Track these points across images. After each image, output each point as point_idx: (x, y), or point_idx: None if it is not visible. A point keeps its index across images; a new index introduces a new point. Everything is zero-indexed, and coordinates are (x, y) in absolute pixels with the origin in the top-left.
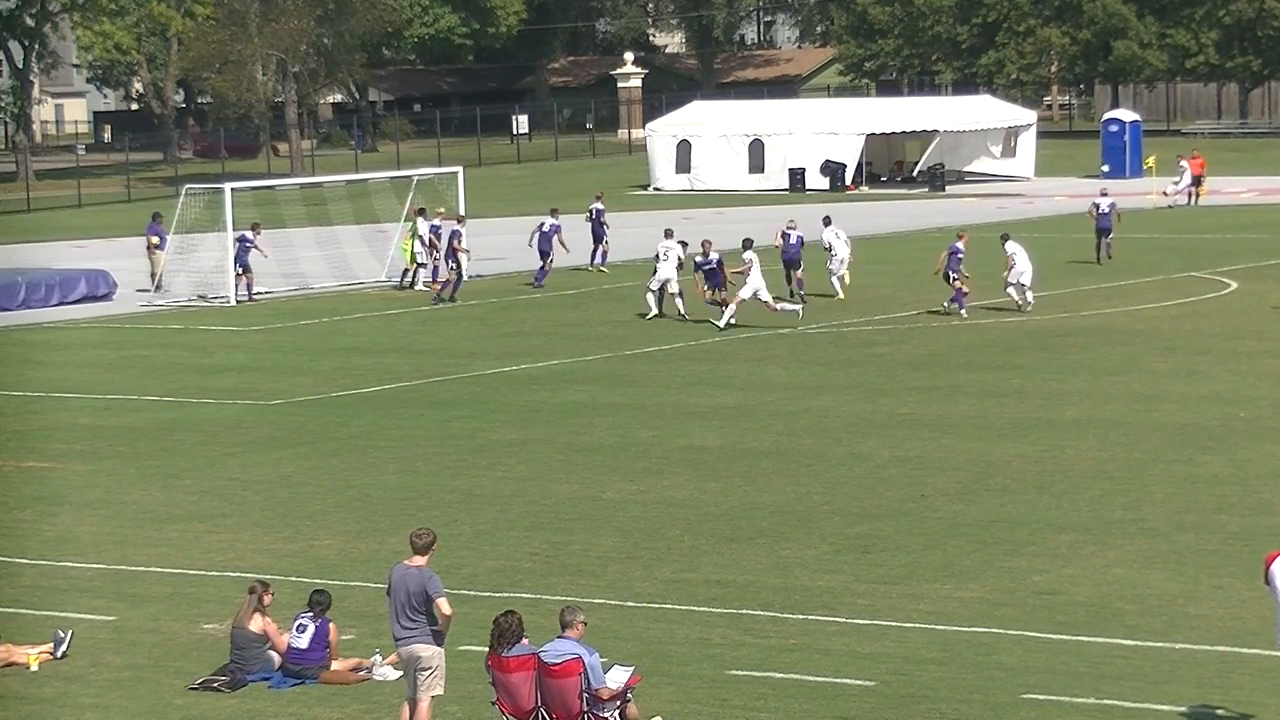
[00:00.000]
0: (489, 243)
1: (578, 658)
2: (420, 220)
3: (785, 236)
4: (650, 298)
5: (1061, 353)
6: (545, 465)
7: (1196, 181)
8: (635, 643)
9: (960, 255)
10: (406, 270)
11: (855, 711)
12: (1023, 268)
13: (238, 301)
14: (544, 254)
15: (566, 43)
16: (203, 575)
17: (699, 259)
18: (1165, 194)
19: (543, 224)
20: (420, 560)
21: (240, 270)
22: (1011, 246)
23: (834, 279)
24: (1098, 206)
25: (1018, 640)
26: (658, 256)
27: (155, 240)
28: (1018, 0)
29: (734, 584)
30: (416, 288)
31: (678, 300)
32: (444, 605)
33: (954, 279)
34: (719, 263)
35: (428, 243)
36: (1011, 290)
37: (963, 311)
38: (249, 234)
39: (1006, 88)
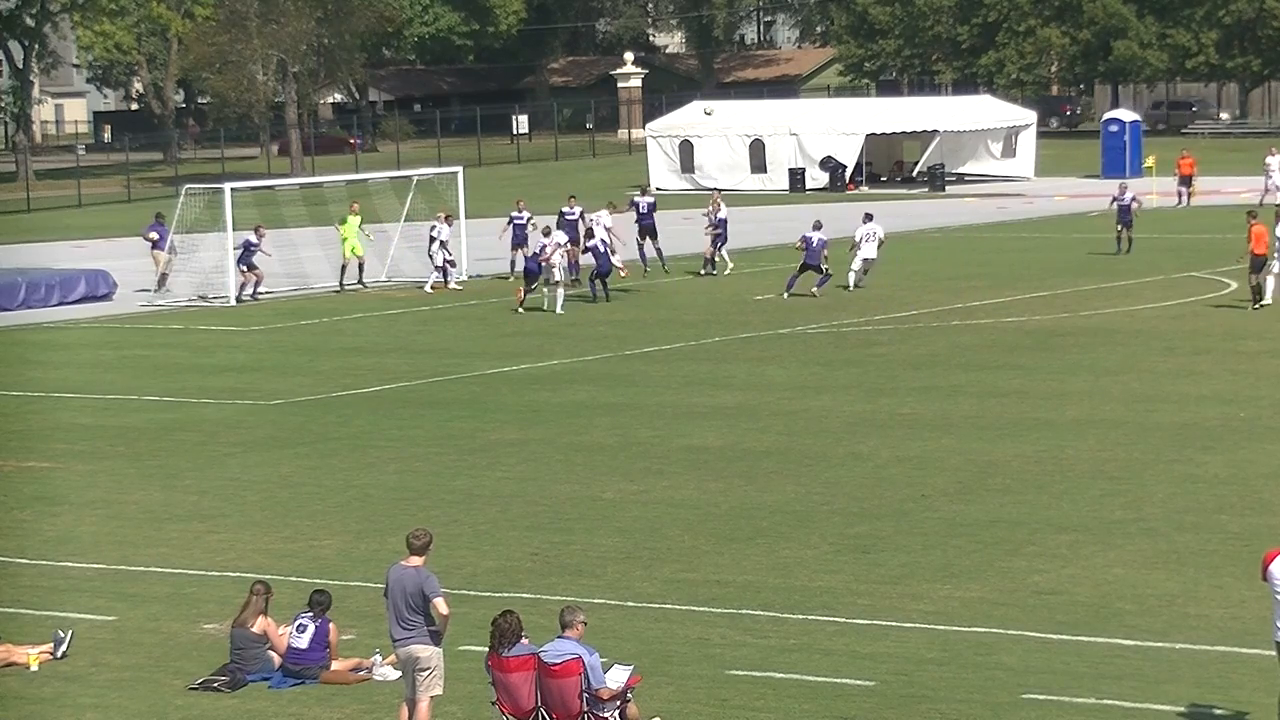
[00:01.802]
0: (489, 243)
1: (578, 658)
2: (444, 224)
3: (635, 204)
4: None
5: (1061, 353)
6: (545, 465)
7: (1186, 182)
8: (635, 643)
9: None
10: (345, 267)
11: (855, 711)
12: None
13: (239, 300)
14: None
15: (566, 43)
16: (203, 575)
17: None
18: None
19: (637, 204)
20: (417, 560)
21: (245, 269)
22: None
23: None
24: (1118, 201)
25: (1018, 640)
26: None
27: (155, 237)
28: (1018, 0)
29: (734, 584)
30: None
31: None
32: (441, 605)
33: None
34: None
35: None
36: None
37: None
38: (252, 237)
39: (1006, 88)
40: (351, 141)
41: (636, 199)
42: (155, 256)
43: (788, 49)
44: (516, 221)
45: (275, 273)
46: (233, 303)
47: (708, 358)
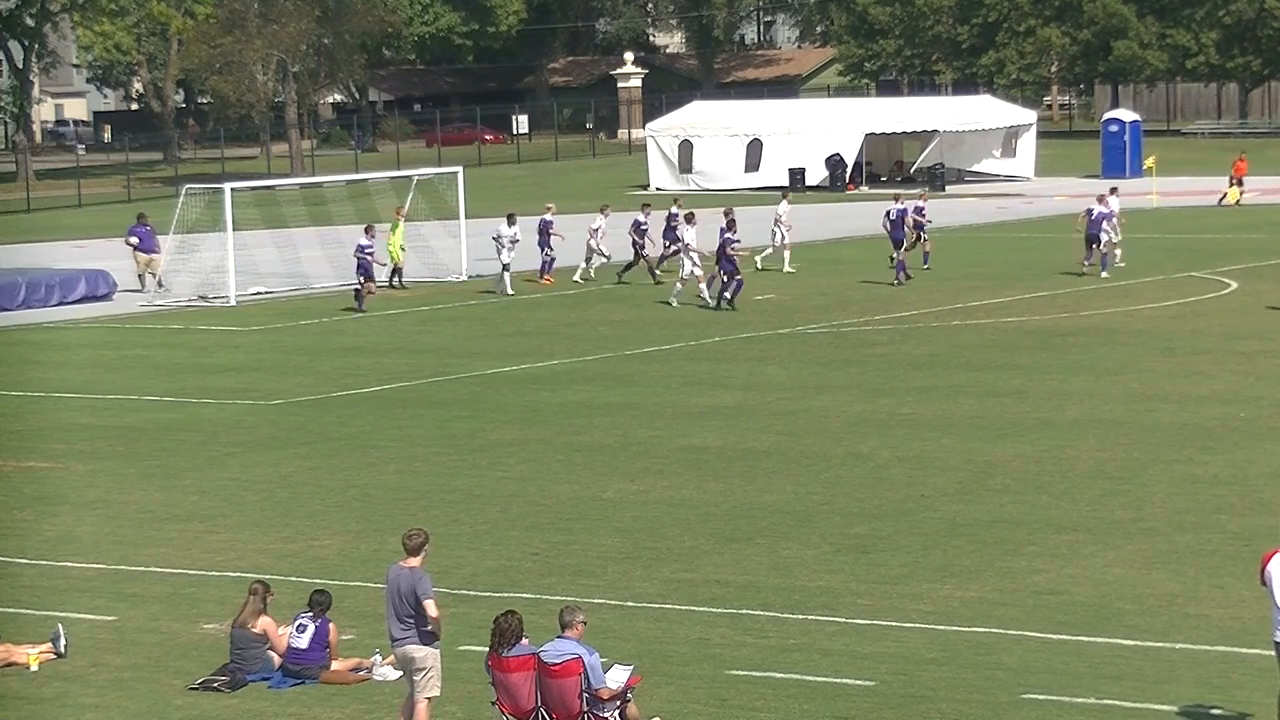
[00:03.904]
0: (489, 243)
1: (578, 658)
2: (504, 225)
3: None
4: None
5: (1061, 353)
6: (545, 465)
7: (1239, 183)
8: (635, 643)
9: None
10: (397, 270)
11: (855, 711)
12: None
13: (362, 311)
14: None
15: (566, 43)
16: (203, 575)
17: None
18: None
19: (903, 211)
20: (414, 561)
21: (364, 278)
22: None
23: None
24: None
25: (1018, 640)
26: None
27: (135, 241)
28: (1018, 0)
29: (734, 584)
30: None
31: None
32: (431, 607)
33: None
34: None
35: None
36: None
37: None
38: (364, 239)
39: (1006, 88)
40: (487, 137)
41: (902, 206)
42: (137, 258)
43: (788, 49)
44: (544, 221)
45: (276, 273)
46: (232, 303)
47: (708, 358)
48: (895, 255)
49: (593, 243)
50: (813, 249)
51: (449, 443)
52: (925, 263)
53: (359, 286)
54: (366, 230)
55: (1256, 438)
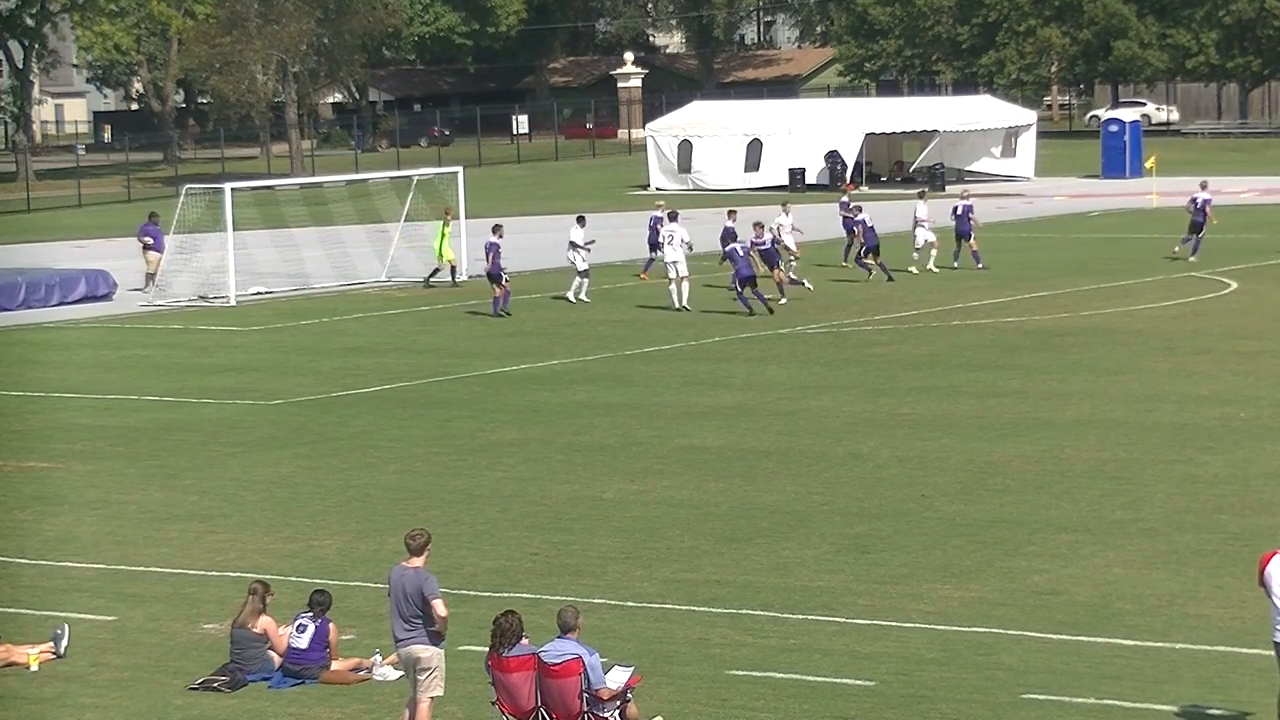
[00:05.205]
0: (489, 243)
1: (578, 658)
2: (575, 229)
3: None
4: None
5: (1061, 353)
6: (545, 465)
7: None
8: (635, 643)
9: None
10: (437, 269)
11: (855, 711)
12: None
13: (497, 315)
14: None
15: (566, 43)
16: (203, 575)
17: (754, 240)
18: None
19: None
20: (417, 561)
21: (505, 279)
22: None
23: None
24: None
25: (1018, 640)
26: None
27: (149, 241)
28: (1018, 0)
29: (734, 584)
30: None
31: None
32: (439, 607)
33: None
34: (773, 242)
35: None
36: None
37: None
38: (492, 237)
39: (1006, 88)
40: (588, 127)
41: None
42: (148, 258)
43: (788, 49)
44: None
45: (276, 273)
46: (232, 303)
47: (708, 358)
48: (973, 249)
49: (786, 240)
50: (813, 249)
51: (449, 443)
52: (978, 263)
53: (495, 290)
54: (495, 229)
55: (1256, 438)
